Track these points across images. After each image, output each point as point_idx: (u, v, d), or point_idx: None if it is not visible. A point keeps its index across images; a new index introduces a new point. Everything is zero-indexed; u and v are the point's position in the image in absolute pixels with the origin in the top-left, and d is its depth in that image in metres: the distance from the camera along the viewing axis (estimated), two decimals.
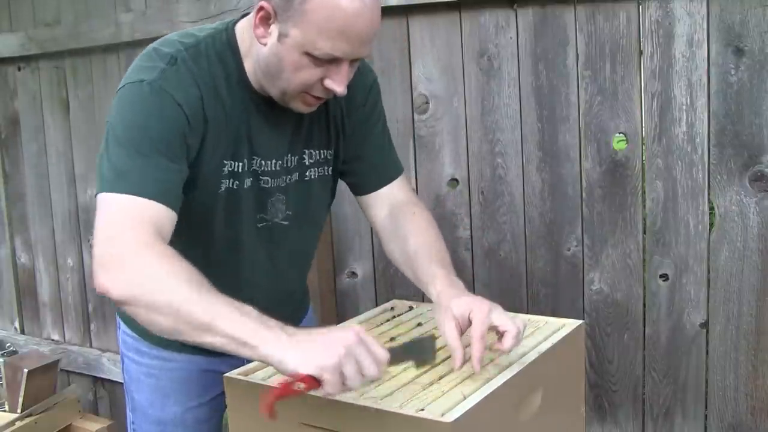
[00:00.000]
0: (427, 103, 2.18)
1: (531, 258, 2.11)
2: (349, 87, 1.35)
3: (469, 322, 1.24)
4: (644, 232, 1.96)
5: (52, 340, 3.25)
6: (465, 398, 1.13)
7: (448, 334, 1.25)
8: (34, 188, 3.15)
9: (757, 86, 1.77)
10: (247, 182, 1.40)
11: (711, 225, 1.88)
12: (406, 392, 1.18)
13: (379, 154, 1.59)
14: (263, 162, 1.41)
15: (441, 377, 1.23)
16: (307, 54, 1.24)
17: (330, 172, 1.54)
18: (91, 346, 3.13)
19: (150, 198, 1.20)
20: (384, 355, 1.10)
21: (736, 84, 1.79)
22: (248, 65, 1.35)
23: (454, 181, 2.18)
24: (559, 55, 1.98)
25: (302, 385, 1.06)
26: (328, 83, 1.27)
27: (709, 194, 1.86)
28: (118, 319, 1.65)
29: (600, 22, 1.92)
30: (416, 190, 2.20)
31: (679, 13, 1.82)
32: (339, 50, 1.23)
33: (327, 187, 1.56)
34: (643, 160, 1.93)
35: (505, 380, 1.19)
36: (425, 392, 1.17)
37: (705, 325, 1.92)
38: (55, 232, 3.13)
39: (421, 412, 1.10)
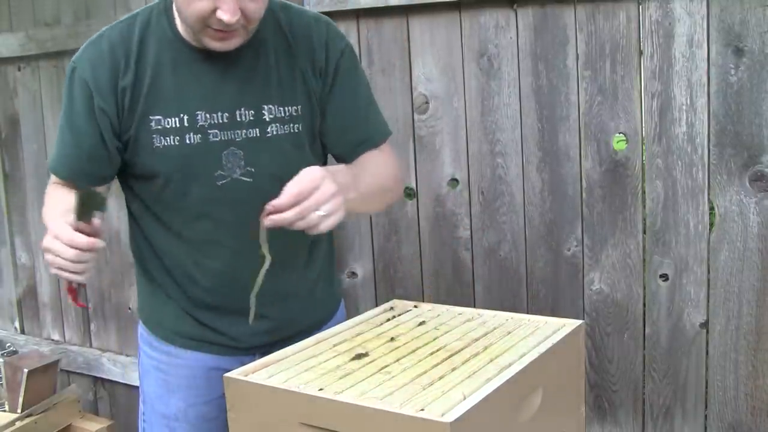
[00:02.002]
0: (427, 103, 2.18)
1: (531, 258, 2.11)
2: (309, 46, 1.49)
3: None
4: (644, 232, 1.96)
5: (52, 340, 3.25)
6: (465, 398, 1.13)
7: (287, 188, 1.28)
8: (34, 188, 3.15)
9: (757, 86, 1.77)
10: (193, 138, 1.44)
11: (711, 225, 1.88)
12: (406, 392, 1.18)
13: (363, 125, 1.59)
14: (208, 116, 1.44)
15: (441, 377, 1.23)
16: None
17: (299, 129, 1.52)
18: (91, 346, 3.13)
19: (61, 177, 1.53)
20: (66, 233, 1.29)
21: (736, 84, 1.79)
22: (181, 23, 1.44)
23: (454, 181, 2.18)
24: (559, 55, 1.98)
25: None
26: (219, 14, 1.32)
27: (709, 194, 1.86)
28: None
29: (600, 21, 1.92)
30: (416, 190, 2.21)
31: (679, 13, 1.82)
32: None
33: (301, 147, 1.53)
34: (643, 160, 1.93)
35: (505, 380, 1.20)
36: (425, 392, 1.17)
37: (705, 325, 1.92)
38: None
39: (421, 412, 1.10)
